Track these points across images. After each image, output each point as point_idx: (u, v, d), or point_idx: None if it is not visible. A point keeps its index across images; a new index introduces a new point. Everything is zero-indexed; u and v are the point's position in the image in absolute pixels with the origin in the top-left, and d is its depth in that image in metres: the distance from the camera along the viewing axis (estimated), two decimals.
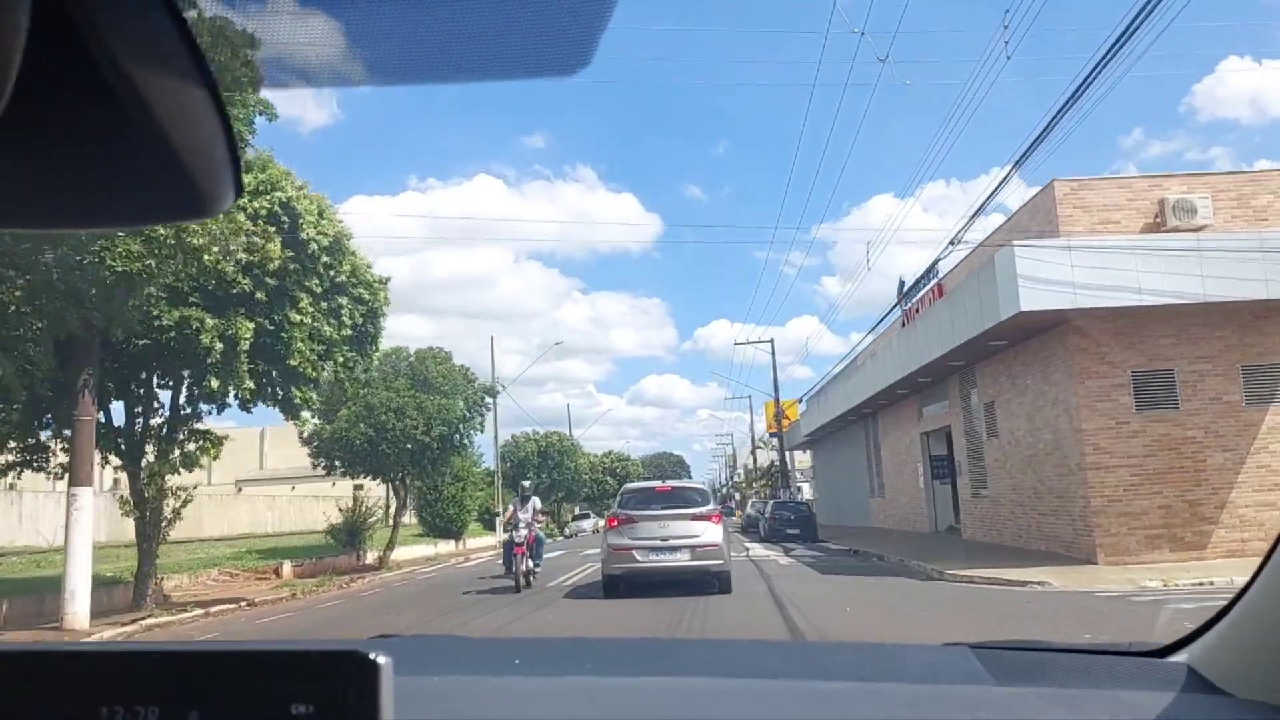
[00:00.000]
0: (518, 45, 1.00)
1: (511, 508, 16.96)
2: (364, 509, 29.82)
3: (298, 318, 16.14)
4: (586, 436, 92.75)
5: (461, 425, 27.58)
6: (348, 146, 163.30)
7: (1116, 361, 16.67)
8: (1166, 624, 8.79)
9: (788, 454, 62.94)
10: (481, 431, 28.06)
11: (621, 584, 13.55)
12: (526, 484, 17.25)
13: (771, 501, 31.61)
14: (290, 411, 17.16)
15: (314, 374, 16.44)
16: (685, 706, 1.36)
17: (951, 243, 18.92)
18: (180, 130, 0.83)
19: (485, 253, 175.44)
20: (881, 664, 1.80)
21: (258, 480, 69.00)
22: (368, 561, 28.91)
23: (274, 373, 16.36)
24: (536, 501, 17.08)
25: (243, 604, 17.08)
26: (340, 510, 29.45)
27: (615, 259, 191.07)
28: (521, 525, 16.09)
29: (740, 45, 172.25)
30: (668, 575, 13.41)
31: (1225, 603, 1.37)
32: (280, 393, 16.66)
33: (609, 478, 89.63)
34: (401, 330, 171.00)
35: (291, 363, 16.12)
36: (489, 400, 27.96)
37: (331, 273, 17.00)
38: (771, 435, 65.03)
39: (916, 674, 1.61)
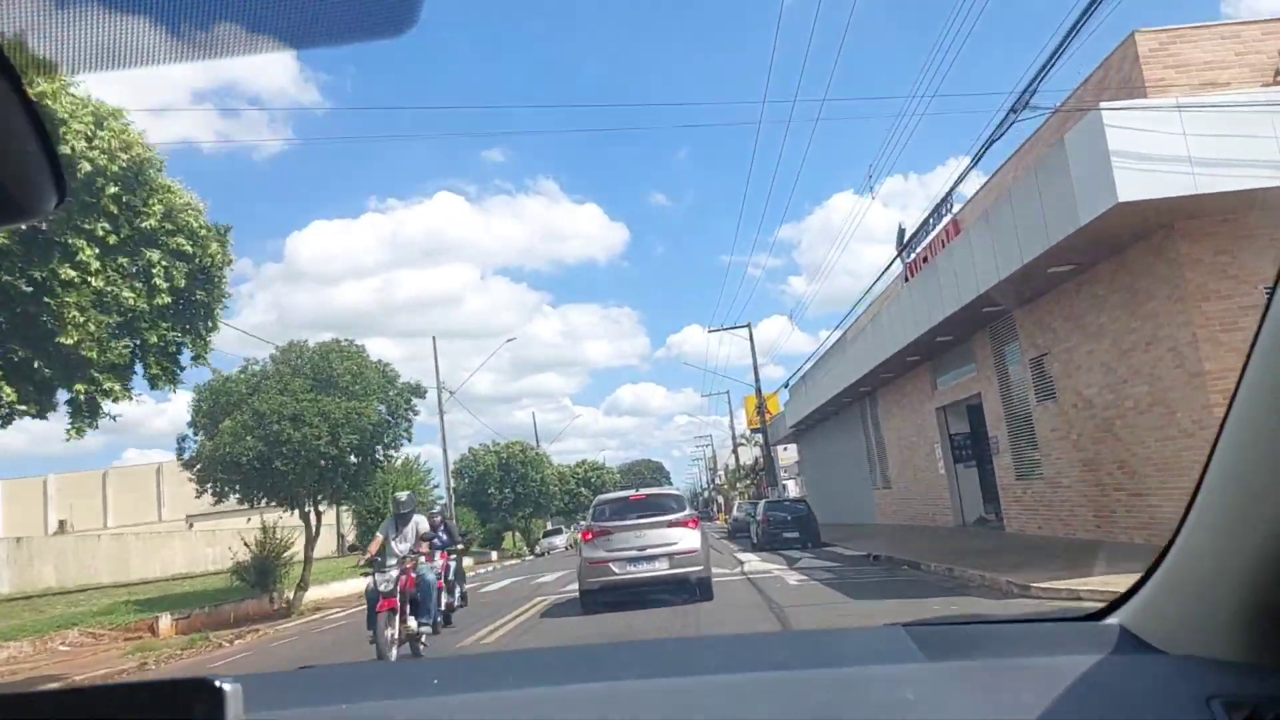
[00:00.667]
0: (337, 7, 0.97)
1: (380, 537, 11.02)
2: (279, 542, 24.47)
3: (72, 274, 11.00)
4: (562, 450, 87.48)
5: (381, 433, 22.38)
6: (304, 171, 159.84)
7: (1246, 274, 11.88)
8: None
9: (772, 449, 58.21)
10: (409, 440, 23.10)
11: (600, 598, 13.27)
12: (402, 496, 11.43)
13: (763, 501, 26.61)
14: (80, 418, 11.99)
15: (101, 356, 11.27)
16: (611, 708, 1.36)
17: (987, 147, 14.11)
18: None
19: (451, 271, 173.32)
20: (816, 651, 1.86)
21: (214, 514, 63.60)
22: (283, 604, 23.67)
23: (36, 362, 11.16)
24: (421, 522, 11.29)
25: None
26: (246, 545, 24.14)
27: (583, 270, 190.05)
28: (392, 565, 10.35)
29: (695, 52, 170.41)
30: (647, 585, 13.10)
31: (1151, 564, 1.41)
32: (54, 389, 11.48)
33: (583, 489, 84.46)
34: (371, 351, 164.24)
35: (64, 341, 10.97)
36: (419, 403, 22.90)
37: (133, 215, 11.88)
38: (754, 431, 60.32)
39: (848, 658, 1.64)
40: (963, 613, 6.14)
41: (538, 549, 55.75)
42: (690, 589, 13.18)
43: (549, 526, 63.52)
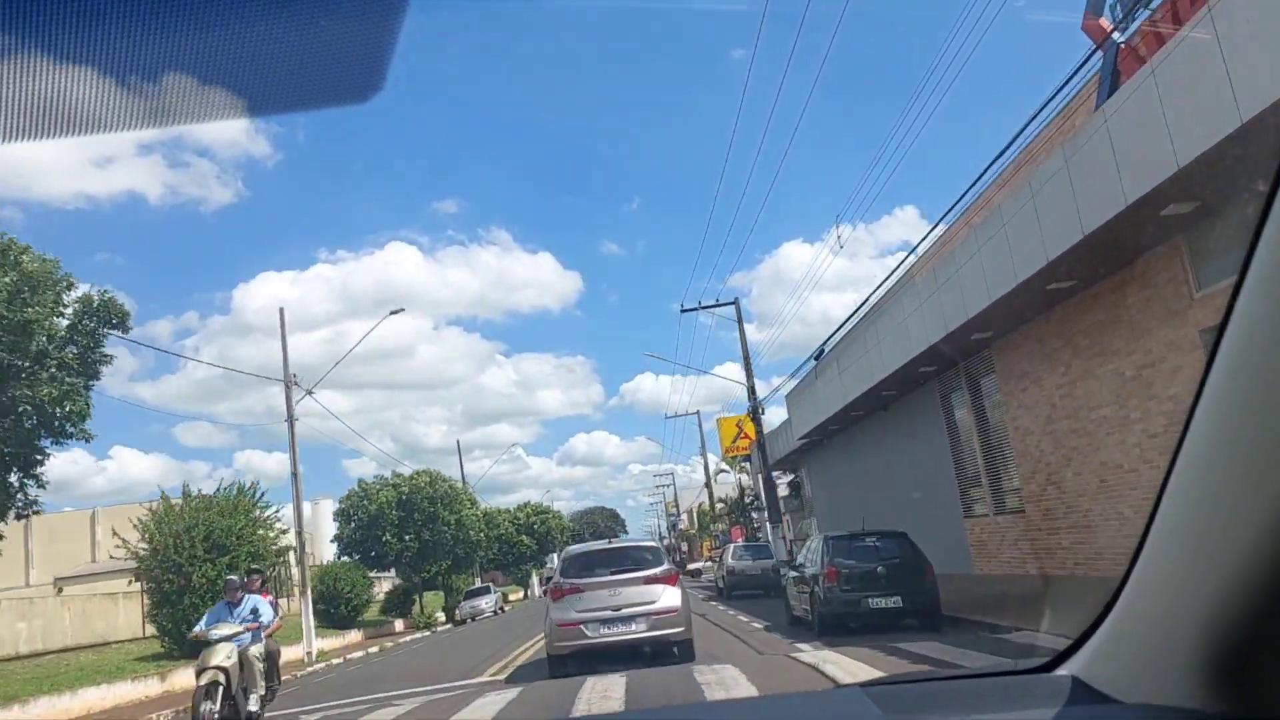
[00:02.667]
0: (304, 73, 1.00)
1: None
2: None
3: None
4: (514, 501, 74.60)
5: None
6: (254, 223, 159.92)
7: None
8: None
9: (755, 481, 46.07)
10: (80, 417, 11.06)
11: (570, 664, 11.87)
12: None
13: (821, 537, 13.37)
14: None
15: None
16: None
17: None
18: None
19: (403, 321, 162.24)
20: (779, 716, 1.87)
21: (88, 576, 49.75)
22: None
23: None
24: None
25: None
26: None
27: (537, 319, 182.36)
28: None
29: (648, 106, 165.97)
30: (624, 649, 11.73)
31: (1099, 612, 1.37)
32: None
33: (525, 536, 71.35)
34: (317, 407, 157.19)
35: None
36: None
37: None
38: (735, 460, 48.16)
39: None
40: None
41: (458, 613, 42.73)
42: (670, 647, 11.93)
43: (478, 583, 50.54)
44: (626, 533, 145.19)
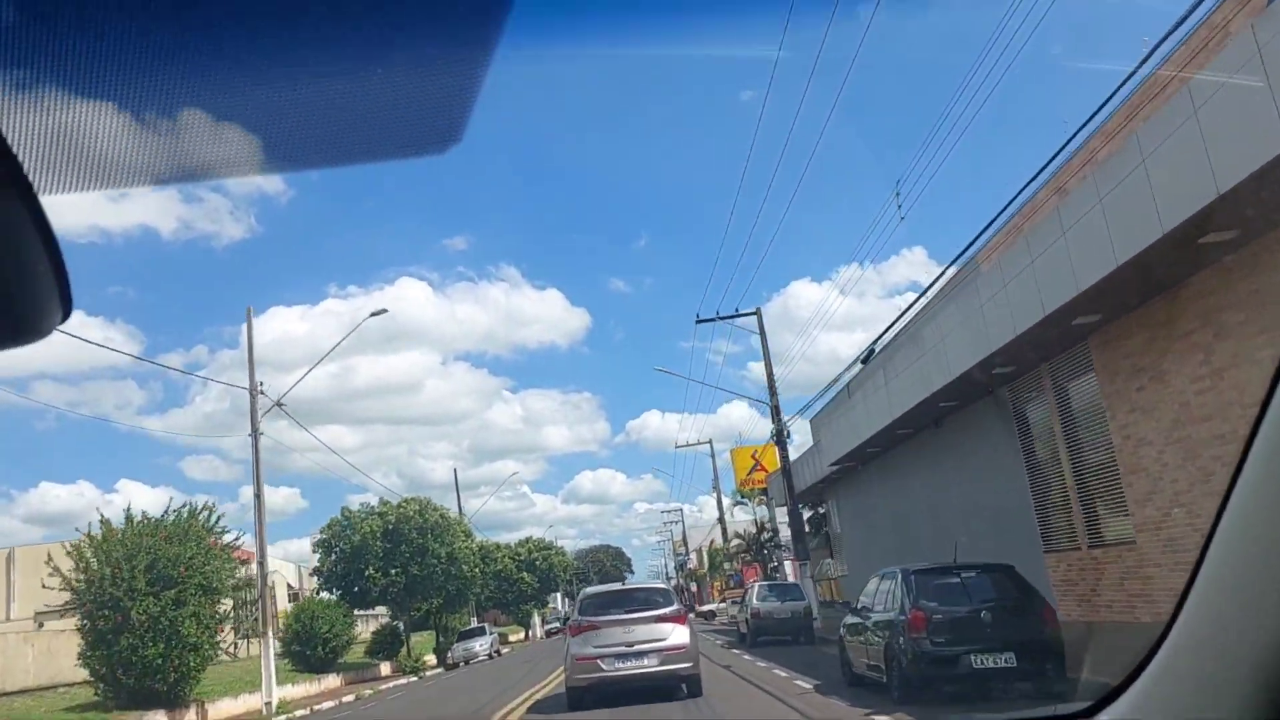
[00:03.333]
0: (386, 126, 1.00)
1: None
2: None
3: None
4: (517, 538, 70.69)
5: None
6: (266, 259, 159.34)
7: None
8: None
9: (773, 515, 42.59)
10: None
11: (588, 695, 12.86)
12: None
13: (905, 574, 9.82)
14: None
15: None
16: None
17: None
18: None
19: (411, 357, 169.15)
20: None
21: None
22: None
23: None
24: None
25: None
26: None
27: (544, 355, 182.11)
28: None
29: (657, 145, 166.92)
30: (637, 683, 12.68)
31: (1144, 655, 1.34)
32: None
33: (526, 573, 67.62)
34: (325, 440, 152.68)
35: None
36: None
37: None
38: (753, 493, 44.60)
39: None
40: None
41: (450, 657, 39.17)
42: (679, 684, 12.81)
43: (474, 623, 46.96)
44: (632, 572, 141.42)
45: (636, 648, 12.63)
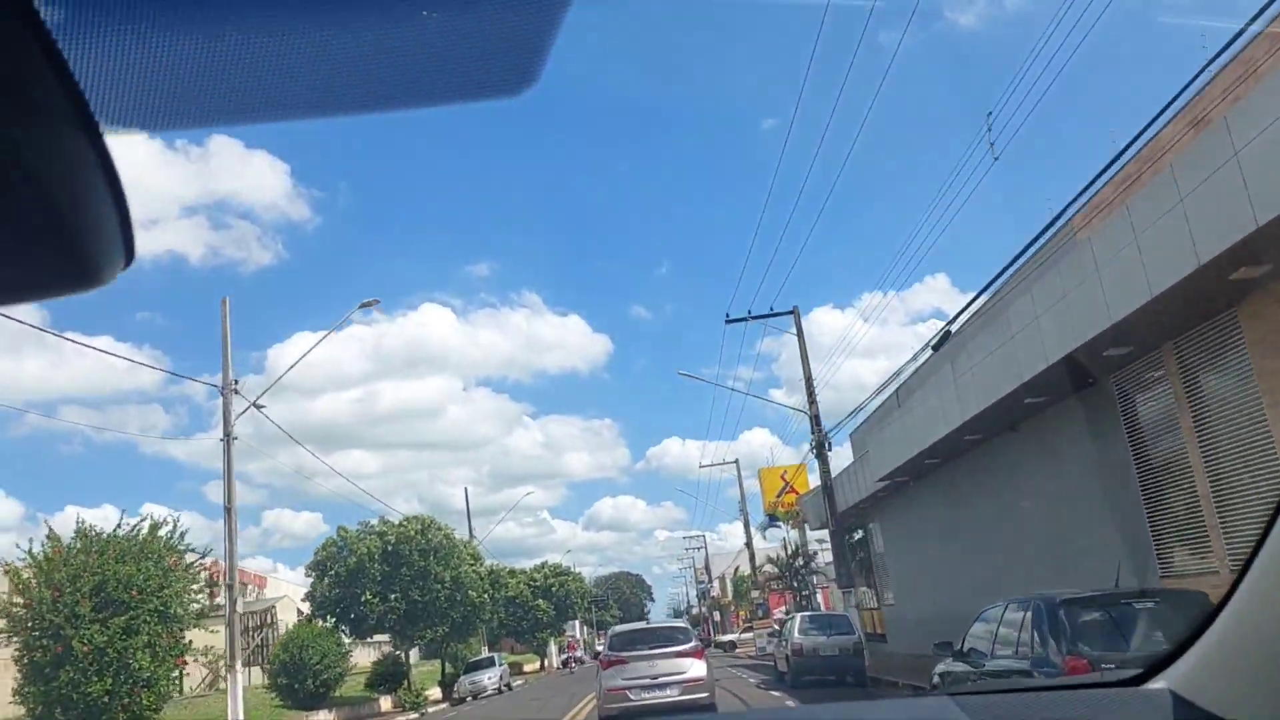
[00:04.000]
0: (459, 66, 0.98)
1: None
2: None
3: None
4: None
5: None
6: (292, 284, 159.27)
7: None
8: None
9: (804, 539, 39.36)
10: None
11: None
12: None
13: (1052, 604, 7.16)
14: None
15: None
16: None
17: None
18: (60, 186, 0.75)
19: (434, 382, 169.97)
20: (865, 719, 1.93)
21: None
22: None
23: None
24: None
25: None
26: None
27: (565, 381, 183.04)
28: None
29: (678, 172, 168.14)
30: (660, 710, 13.91)
31: (1199, 624, 1.33)
32: None
33: (542, 600, 64.40)
34: (349, 467, 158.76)
35: None
36: None
37: None
38: (788, 515, 41.42)
39: None
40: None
41: (456, 689, 36.13)
42: (696, 710, 14.17)
43: (485, 653, 43.90)
44: (653, 600, 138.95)
45: (660, 680, 14.35)
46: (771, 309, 26.51)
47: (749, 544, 46.49)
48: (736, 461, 49.43)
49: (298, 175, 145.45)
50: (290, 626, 31.01)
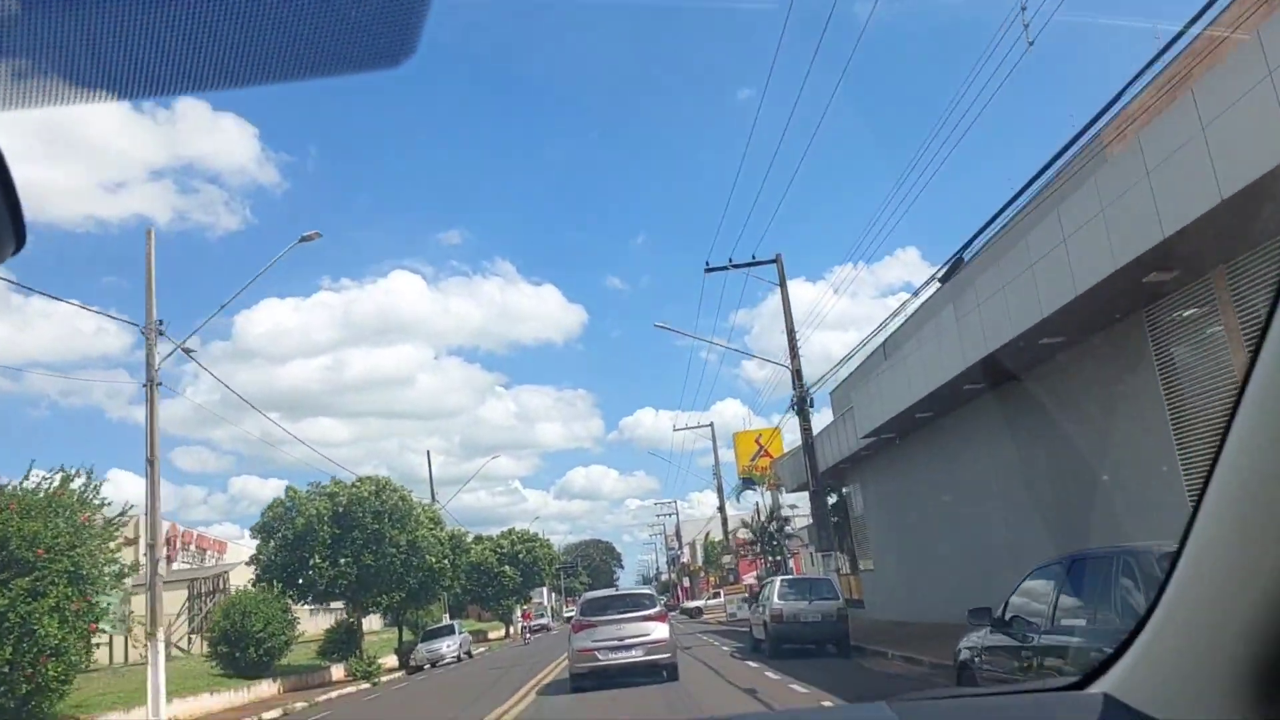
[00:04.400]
0: (338, 37, 0.98)
1: None
2: None
3: None
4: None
5: None
6: (260, 250, 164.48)
7: None
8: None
9: (776, 503, 37.90)
10: None
11: (588, 680, 15.55)
12: None
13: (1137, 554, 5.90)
14: None
15: None
16: None
17: None
18: None
19: (404, 351, 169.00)
20: None
21: None
22: None
23: None
24: None
25: None
26: None
27: (539, 351, 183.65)
28: None
29: (653, 142, 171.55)
30: (625, 669, 15.39)
31: (1133, 628, 1.36)
32: None
33: (508, 567, 62.81)
34: (317, 435, 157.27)
35: None
36: None
37: None
38: (759, 479, 40.02)
39: None
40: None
41: (413, 658, 34.45)
42: (660, 671, 15.53)
43: (446, 619, 42.26)
44: (623, 567, 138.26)
45: (626, 641, 15.41)
46: (753, 257, 24.74)
47: (721, 508, 45.11)
48: (711, 425, 47.98)
49: (266, 139, 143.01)
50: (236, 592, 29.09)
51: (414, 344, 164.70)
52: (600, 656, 15.37)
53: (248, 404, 75.83)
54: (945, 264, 14.16)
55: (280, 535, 28.19)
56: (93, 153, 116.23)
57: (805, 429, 23.63)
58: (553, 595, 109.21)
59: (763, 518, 36.29)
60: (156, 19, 0.87)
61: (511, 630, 66.18)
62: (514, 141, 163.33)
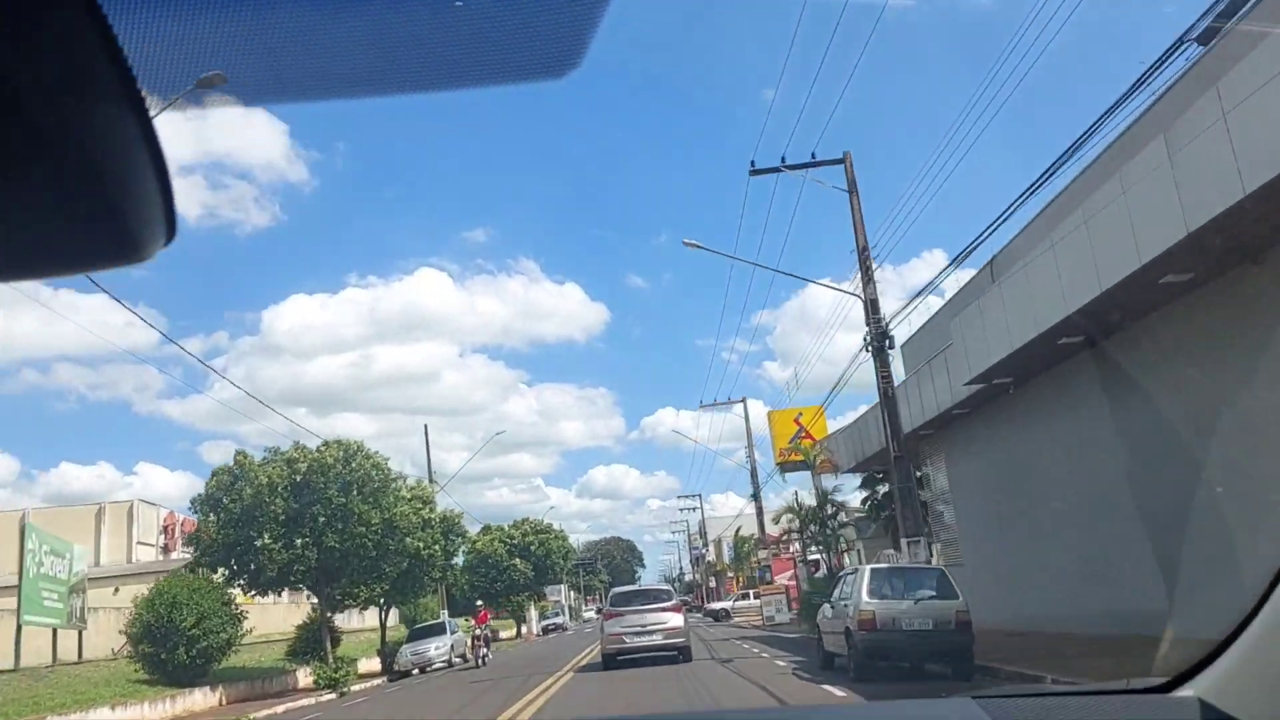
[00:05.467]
0: (504, 47, 0.98)
1: None
2: None
3: None
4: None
5: None
6: (288, 247, 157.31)
7: None
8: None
9: (821, 490, 32.16)
10: None
11: (617, 658, 18.57)
12: None
13: None
14: None
15: None
16: None
17: None
18: (105, 161, 0.75)
19: (429, 347, 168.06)
20: None
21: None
22: None
23: None
24: None
25: None
26: None
27: (561, 350, 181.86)
28: None
29: (677, 142, 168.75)
30: (648, 651, 18.40)
31: (1231, 631, 1.30)
32: None
33: (519, 560, 57.45)
34: (344, 429, 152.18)
35: None
36: None
37: None
38: (817, 451, 34.06)
39: None
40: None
41: (397, 662, 29.18)
42: (675, 653, 18.33)
43: (442, 617, 37.01)
44: (644, 566, 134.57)
45: (649, 628, 18.44)
46: (814, 156, 19.21)
47: (755, 495, 39.45)
48: (744, 400, 42.54)
49: (295, 136, 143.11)
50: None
51: (439, 341, 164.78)
52: (627, 640, 18.36)
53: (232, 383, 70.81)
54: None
55: (225, 511, 22.93)
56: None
57: (884, 375, 18.00)
58: (572, 594, 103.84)
59: (808, 505, 30.56)
60: (329, 23, 0.87)
61: (523, 630, 60.77)
62: (537, 140, 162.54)
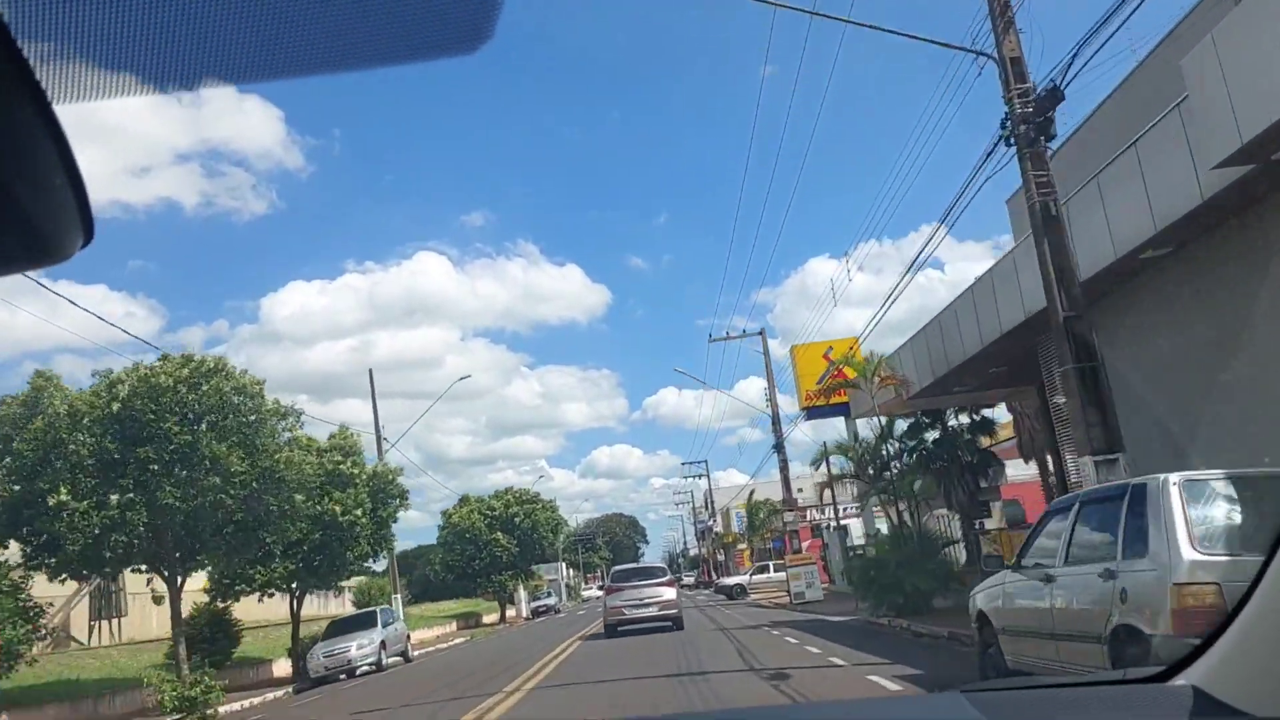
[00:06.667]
0: (411, 25, 0.98)
1: None
2: None
3: None
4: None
5: None
6: (285, 234, 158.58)
7: None
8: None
9: (853, 432, 24.49)
10: None
11: (617, 628, 21.24)
12: None
13: None
14: None
15: None
16: None
17: None
18: (8, 160, 0.73)
19: (430, 332, 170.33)
20: (874, 718, 1.80)
21: None
22: None
23: None
24: None
25: None
26: None
27: (563, 331, 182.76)
28: None
29: (676, 121, 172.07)
30: (644, 621, 21.10)
31: (1224, 619, 1.27)
32: None
33: (501, 534, 49.91)
34: (344, 415, 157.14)
35: None
36: None
37: None
38: (810, 411, 26.14)
39: None
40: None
41: (309, 666, 21.72)
42: (669, 623, 20.84)
43: (395, 602, 29.48)
44: (647, 542, 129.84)
45: (645, 601, 21.05)
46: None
47: (779, 445, 31.79)
48: (762, 333, 35.00)
49: (291, 122, 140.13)
50: None
51: (440, 325, 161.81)
52: (626, 612, 21.14)
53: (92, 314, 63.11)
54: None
55: (16, 455, 15.29)
56: (118, 137, 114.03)
57: (1040, 181, 10.30)
58: (571, 571, 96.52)
59: (868, 440, 22.89)
60: (223, 7, 0.85)
61: (507, 614, 53.27)
62: (535, 121, 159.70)
